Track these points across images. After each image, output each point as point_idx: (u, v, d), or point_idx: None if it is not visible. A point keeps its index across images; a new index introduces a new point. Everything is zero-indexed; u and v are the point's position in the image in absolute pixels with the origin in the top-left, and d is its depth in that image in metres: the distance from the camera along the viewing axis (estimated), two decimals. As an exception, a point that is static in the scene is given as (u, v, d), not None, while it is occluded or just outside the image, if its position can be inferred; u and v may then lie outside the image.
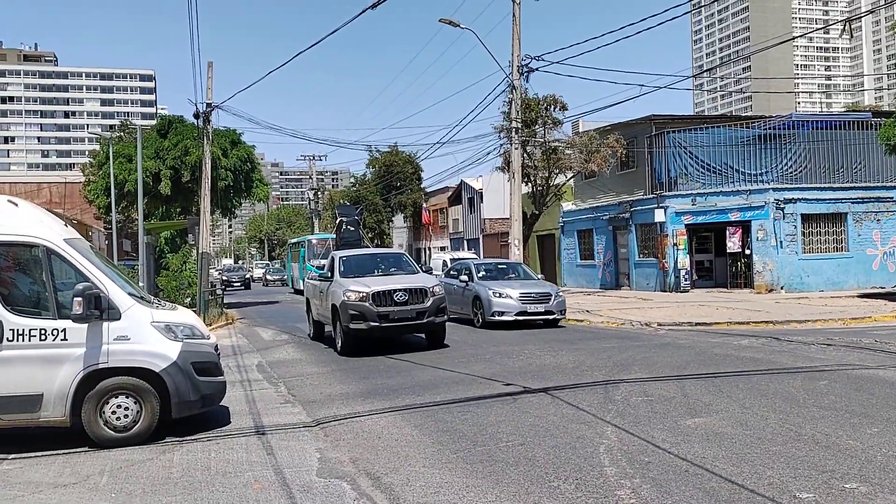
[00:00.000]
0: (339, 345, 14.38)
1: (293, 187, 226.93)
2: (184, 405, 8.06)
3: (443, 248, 53.85)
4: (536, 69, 23.42)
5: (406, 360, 13.33)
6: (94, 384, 7.72)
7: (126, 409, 7.79)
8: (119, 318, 7.81)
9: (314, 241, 40.93)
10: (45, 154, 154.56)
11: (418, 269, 16.33)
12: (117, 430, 7.76)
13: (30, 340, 7.56)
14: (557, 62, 23.40)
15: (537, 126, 28.47)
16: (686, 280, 27.28)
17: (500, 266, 21.20)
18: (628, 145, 29.89)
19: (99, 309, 7.65)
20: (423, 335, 15.29)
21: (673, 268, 27.46)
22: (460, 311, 19.36)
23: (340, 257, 16.02)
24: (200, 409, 8.36)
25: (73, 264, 7.82)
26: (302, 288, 40.55)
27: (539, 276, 21.65)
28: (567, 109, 29.26)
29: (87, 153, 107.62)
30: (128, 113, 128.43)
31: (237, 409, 9.47)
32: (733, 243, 26.76)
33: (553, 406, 8.83)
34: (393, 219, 60.91)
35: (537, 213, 31.16)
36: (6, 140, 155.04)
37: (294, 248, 47.46)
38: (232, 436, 8.13)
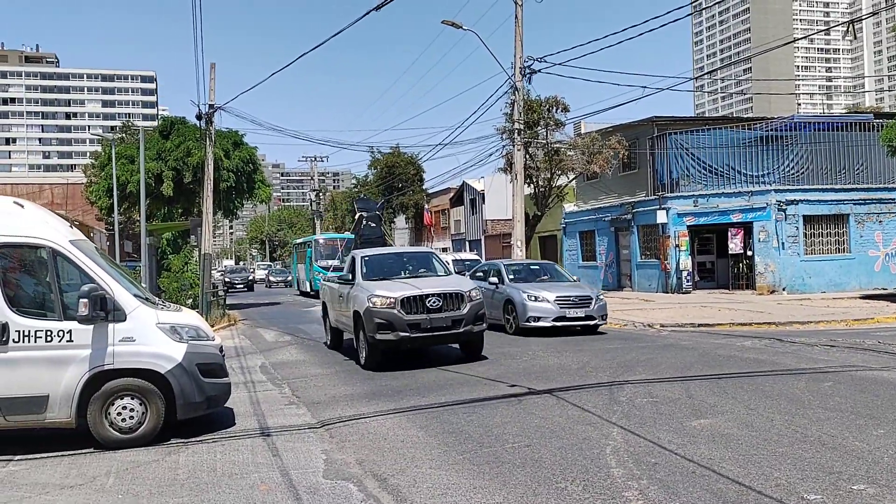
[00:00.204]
0: (363, 357, 12.59)
1: (294, 188, 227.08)
2: (189, 406, 8.06)
3: (445, 250, 53.85)
4: (539, 71, 23.46)
5: (410, 361, 13.31)
6: (99, 385, 7.73)
7: (131, 410, 7.80)
8: (124, 320, 7.81)
9: (321, 241, 39.83)
10: (46, 155, 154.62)
11: (450, 269, 14.44)
12: (123, 432, 7.77)
13: (35, 342, 7.56)
14: (559, 64, 23.39)
15: (539, 127, 28.48)
16: (688, 281, 27.27)
17: (531, 267, 19.76)
18: (630, 147, 29.90)
19: (104, 310, 7.66)
20: (457, 345, 13.64)
21: (675, 269, 27.45)
22: (489, 316, 17.37)
23: (362, 257, 14.13)
24: (206, 411, 8.37)
25: (79, 266, 7.83)
26: (308, 290, 39.66)
27: (573, 277, 20.01)
28: (569, 111, 29.30)
29: (88, 154, 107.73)
30: (129, 114, 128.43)
31: (241, 411, 9.47)
32: (735, 244, 26.76)
33: (558, 407, 8.83)
34: (395, 220, 60.93)
35: (539, 214, 31.17)
36: (7, 141, 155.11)
37: (300, 249, 46.07)
38: (237, 437, 8.13)
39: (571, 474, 6.16)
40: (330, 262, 36.17)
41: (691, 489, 5.66)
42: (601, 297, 17.33)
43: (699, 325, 17.60)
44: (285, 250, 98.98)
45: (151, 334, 7.95)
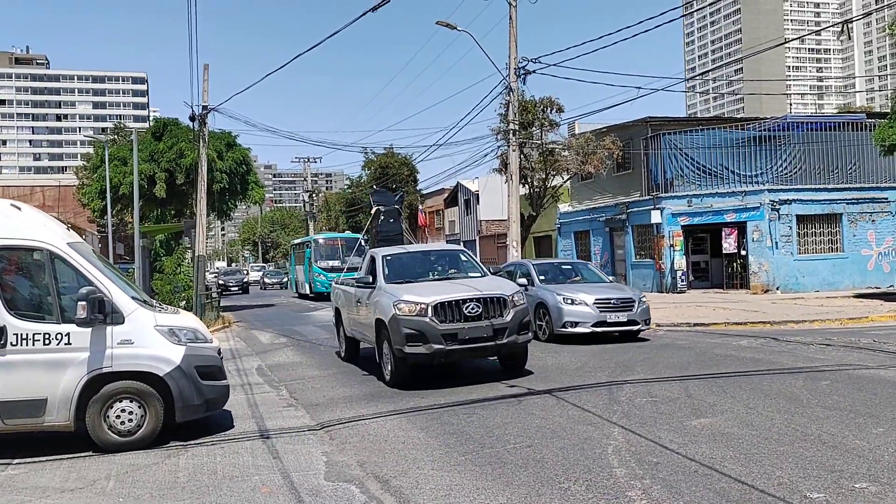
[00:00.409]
0: (388, 373, 10.88)
1: (287, 189, 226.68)
2: (188, 409, 8.03)
3: (438, 251, 53.79)
4: (533, 71, 23.44)
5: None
6: (98, 388, 7.69)
7: (130, 413, 7.76)
8: (123, 322, 7.78)
9: (321, 241, 38.69)
10: (36, 157, 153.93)
11: (485, 270, 12.65)
12: (121, 435, 7.73)
13: (34, 345, 7.52)
14: (554, 64, 23.34)
15: (534, 128, 28.50)
16: (682, 281, 27.35)
17: (562, 267, 18.15)
18: (624, 147, 29.95)
19: (103, 313, 7.62)
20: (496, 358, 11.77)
21: (669, 269, 27.52)
22: None
23: (383, 257, 12.36)
24: (204, 413, 8.34)
25: (77, 268, 7.79)
26: (308, 292, 38.62)
27: (608, 277, 18.33)
28: (563, 111, 29.31)
29: (79, 156, 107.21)
30: (120, 116, 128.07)
31: (240, 413, 9.44)
32: (729, 244, 26.84)
33: (558, 407, 8.83)
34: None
35: (534, 214, 31.20)
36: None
37: (298, 249, 44.40)
38: (236, 440, 8.10)
39: (574, 474, 6.16)
40: (331, 263, 35.50)
41: (694, 488, 5.66)
42: (644, 299, 15.76)
43: (695, 325, 17.65)
44: (278, 252, 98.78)
45: (150, 337, 7.91)
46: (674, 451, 6.68)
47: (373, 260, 12.58)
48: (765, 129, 28.14)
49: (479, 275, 12.12)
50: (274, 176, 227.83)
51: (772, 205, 26.38)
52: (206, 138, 26.19)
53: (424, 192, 57.51)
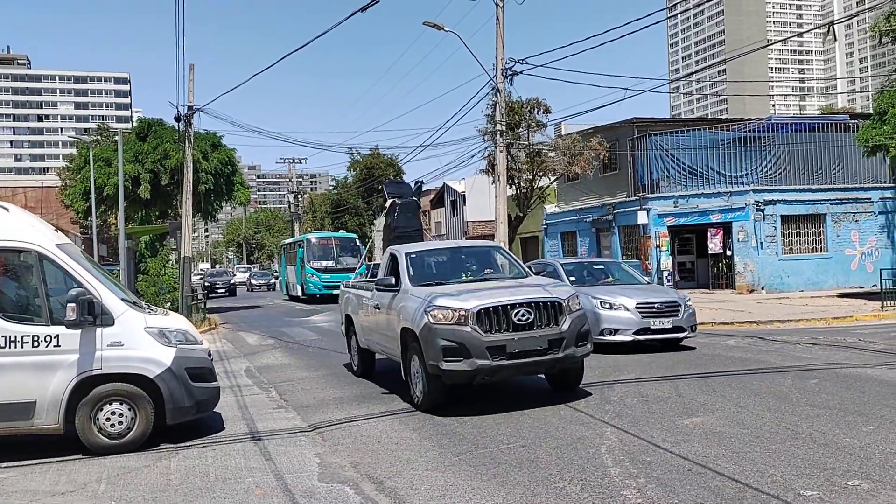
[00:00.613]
0: (419, 394, 9.07)
1: (271, 190, 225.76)
2: (178, 411, 7.97)
3: (424, 251, 53.80)
4: (520, 72, 23.45)
5: (399, 363, 13.26)
6: (87, 391, 7.62)
7: (120, 415, 7.70)
8: (112, 324, 7.71)
9: (314, 241, 37.24)
10: (18, 158, 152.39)
11: (527, 270, 10.91)
12: (112, 437, 7.66)
13: (22, 347, 7.45)
14: (541, 65, 23.38)
15: (521, 129, 28.56)
16: (669, 281, 27.46)
17: (593, 266, 16.34)
18: (611, 148, 30.07)
19: (92, 315, 7.56)
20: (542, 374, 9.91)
21: (656, 269, 27.65)
22: None
23: (407, 255, 10.56)
24: (195, 415, 8.29)
25: (66, 270, 7.72)
26: (299, 294, 37.38)
27: (645, 278, 16.69)
28: (550, 112, 29.37)
29: (61, 157, 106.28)
30: (102, 116, 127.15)
31: (230, 415, 9.39)
32: (715, 244, 27.02)
33: (551, 407, 8.84)
34: (374, 222, 60.80)
35: (521, 215, 31.25)
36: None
37: (289, 249, 42.54)
38: (228, 442, 8.05)
39: (569, 474, 6.17)
40: (324, 264, 34.80)
41: (689, 487, 5.69)
42: (689, 302, 13.97)
43: (682, 325, 17.70)
44: (263, 253, 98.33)
45: (140, 339, 7.85)
46: (667, 451, 6.71)
47: (394, 259, 10.73)
48: (750, 130, 28.36)
49: (521, 275, 10.38)
50: (258, 177, 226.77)
51: (757, 205, 26.58)
52: (191, 139, 26.04)
53: (410, 192, 57.44)
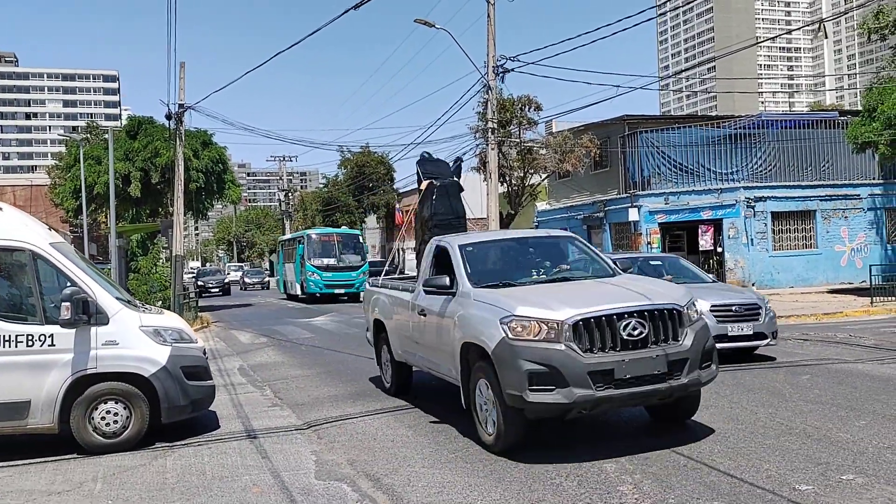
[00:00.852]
0: (492, 432, 6.93)
1: (261, 188, 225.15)
2: (174, 410, 7.96)
3: (416, 249, 53.74)
4: (512, 70, 23.49)
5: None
6: (82, 390, 7.60)
7: (115, 414, 7.69)
8: (107, 323, 7.70)
9: (315, 237, 35.11)
10: (6, 157, 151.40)
11: (614, 266, 8.43)
12: (107, 436, 7.65)
13: (16, 346, 7.42)
14: (532, 63, 23.50)
15: (512, 126, 28.58)
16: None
17: (651, 262, 14.01)
18: (602, 145, 30.15)
19: (87, 314, 7.53)
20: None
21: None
22: None
23: (462, 247, 8.40)
24: (190, 414, 8.28)
25: (60, 269, 7.69)
26: (299, 293, 35.15)
27: (710, 276, 14.55)
28: (541, 109, 29.39)
29: (49, 156, 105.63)
30: (91, 114, 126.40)
31: (224, 414, 9.38)
32: (705, 241, 27.15)
33: (545, 404, 8.86)
34: (366, 220, 60.73)
35: (513, 212, 31.28)
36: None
37: (288, 246, 40.35)
38: (223, 440, 8.05)
39: (565, 470, 6.19)
40: (326, 262, 33.13)
41: (685, 482, 5.73)
42: (769, 305, 12.01)
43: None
44: (253, 251, 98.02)
45: (135, 337, 7.84)
46: (662, 447, 6.75)
47: (443, 253, 8.60)
48: (740, 128, 28.50)
49: (607, 273, 8.21)
50: (248, 175, 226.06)
51: (747, 202, 26.72)
52: (182, 137, 25.96)
53: (402, 190, 57.40)
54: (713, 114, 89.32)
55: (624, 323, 6.52)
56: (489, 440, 7.01)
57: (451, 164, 13.44)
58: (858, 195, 28.16)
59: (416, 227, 12.23)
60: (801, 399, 8.47)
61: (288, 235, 46.34)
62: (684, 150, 28.36)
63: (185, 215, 29.39)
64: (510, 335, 6.58)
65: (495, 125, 24.34)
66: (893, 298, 19.61)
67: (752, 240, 26.72)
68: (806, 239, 27.68)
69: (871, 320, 17.14)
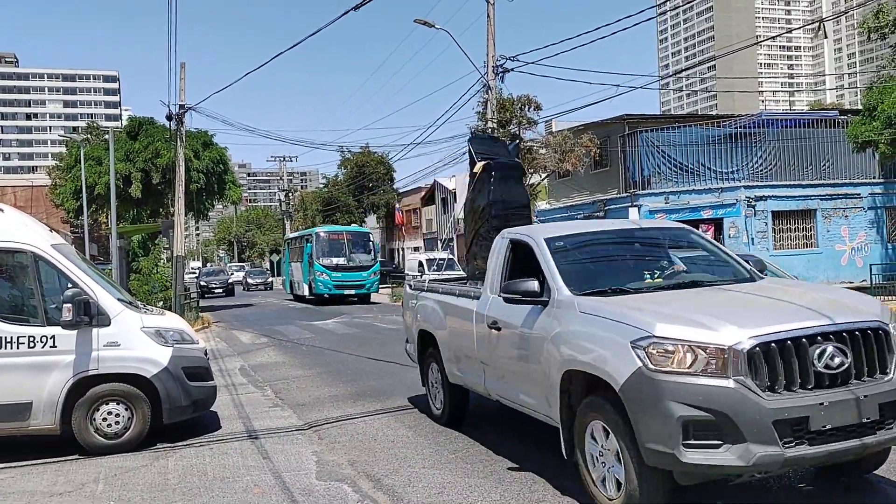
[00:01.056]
0: (619, 495, 5.07)
1: (261, 188, 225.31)
2: (175, 411, 7.99)
3: (416, 249, 53.88)
4: (511, 70, 23.54)
5: (393, 360, 13.31)
6: (84, 391, 7.63)
7: (117, 415, 7.71)
8: (109, 325, 7.72)
9: (323, 235, 33.42)
10: (6, 157, 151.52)
11: (750, 268, 6.55)
12: (108, 437, 7.68)
13: (18, 348, 7.44)
14: (532, 63, 23.54)
15: (512, 126, 28.58)
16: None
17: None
18: (602, 145, 30.14)
19: (88, 315, 7.56)
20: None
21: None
22: None
23: (551, 241, 6.57)
24: (192, 415, 8.31)
25: (62, 270, 7.72)
26: (306, 294, 33.50)
27: (788, 275, 11.92)
28: (541, 109, 29.30)
29: (50, 156, 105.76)
30: (91, 115, 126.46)
31: (226, 414, 9.41)
32: (706, 240, 27.16)
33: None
34: (365, 219, 60.79)
35: (512, 212, 31.29)
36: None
37: (294, 244, 38.68)
38: (225, 441, 8.08)
39: (566, 472, 6.19)
40: (335, 261, 31.74)
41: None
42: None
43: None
44: (254, 251, 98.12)
45: (136, 338, 7.86)
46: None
47: (523, 249, 6.72)
48: (740, 127, 28.51)
49: (745, 276, 6.32)
50: (248, 175, 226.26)
51: (748, 201, 26.73)
52: (183, 137, 25.99)
53: (401, 190, 57.48)
54: (713, 113, 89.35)
55: (818, 349, 4.59)
56: None
57: (507, 142, 11.12)
58: (859, 194, 28.16)
59: (467, 219, 9.87)
60: None
61: (294, 234, 44.31)
62: (684, 149, 28.36)
63: (185, 216, 29.42)
64: (650, 365, 4.67)
65: (495, 125, 24.36)
66: (894, 297, 19.62)
67: (752, 239, 26.72)
68: (806, 238, 27.69)
69: (872, 319, 17.10)
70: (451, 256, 38.83)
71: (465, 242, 9.42)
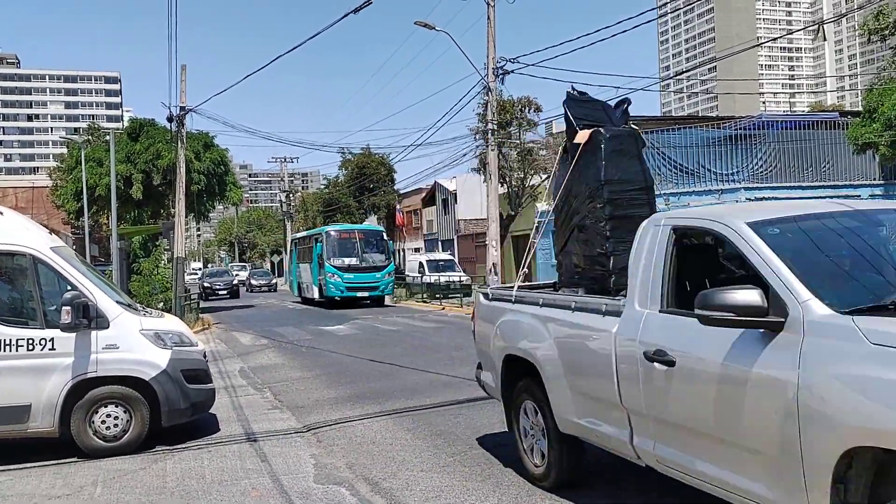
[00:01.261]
0: None
1: (262, 189, 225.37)
2: (174, 413, 7.99)
3: (417, 250, 53.89)
4: (511, 71, 23.54)
5: (392, 362, 13.33)
6: (83, 394, 7.64)
7: (116, 418, 7.72)
8: (107, 327, 7.73)
9: (334, 234, 31.58)
10: (7, 158, 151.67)
11: None
12: (107, 440, 7.68)
13: (17, 350, 7.45)
14: (532, 64, 23.47)
15: (512, 127, 28.63)
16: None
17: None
18: (602, 146, 30.16)
19: (87, 318, 7.56)
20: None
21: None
22: None
23: (759, 228, 4.22)
24: (190, 417, 8.32)
25: (61, 273, 7.73)
26: (316, 296, 31.76)
27: None
28: (542, 111, 29.51)
29: (51, 157, 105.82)
30: (93, 116, 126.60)
31: (225, 416, 9.41)
32: (706, 242, 27.16)
33: (544, 407, 8.89)
34: (366, 220, 60.79)
35: (513, 213, 31.35)
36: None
37: (303, 244, 36.79)
38: (223, 443, 8.08)
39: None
40: (347, 262, 30.12)
41: (689, 487, 5.71)
42: None
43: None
44: (255, 252, 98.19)
45: (135, 341, 7.87)
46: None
47: (703, 243, 5.32)
48: (741, 128, 28.53)
49: None
50: (250, 176, 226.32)
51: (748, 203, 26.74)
52: (184, 139, 26.02)
53: (402, 191, 57.49)
54: (714, 114, 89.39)
55: None
56: None
57: (615, 107, 7.51)
58: (859, 196, 28.07)
59: (559, 207, 7.10)
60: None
61: (302, 233, 42.57)
62: (685, 150, 28.37)
63: (186, 217, 29.45)
64: None
65: (495, 126, 24.38)
66: None
67: (752, 241, 26.73)
68: (806, 240, 27.69)
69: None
70: (451, 257, 38.83)
71: (559, 238, 7.05)
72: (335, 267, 29.99)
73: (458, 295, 29.51)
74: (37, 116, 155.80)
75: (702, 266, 5.06)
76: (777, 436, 3.64)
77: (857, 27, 34.49)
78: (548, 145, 29.91)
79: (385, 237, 33.08)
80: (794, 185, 27.72)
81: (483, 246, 27.45)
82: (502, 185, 29.72)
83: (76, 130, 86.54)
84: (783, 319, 3.73)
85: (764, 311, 3.78)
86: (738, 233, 4.28)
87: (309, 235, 36.14)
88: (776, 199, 27.02)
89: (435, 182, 53.21)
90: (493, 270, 24.40)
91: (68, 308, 7.38)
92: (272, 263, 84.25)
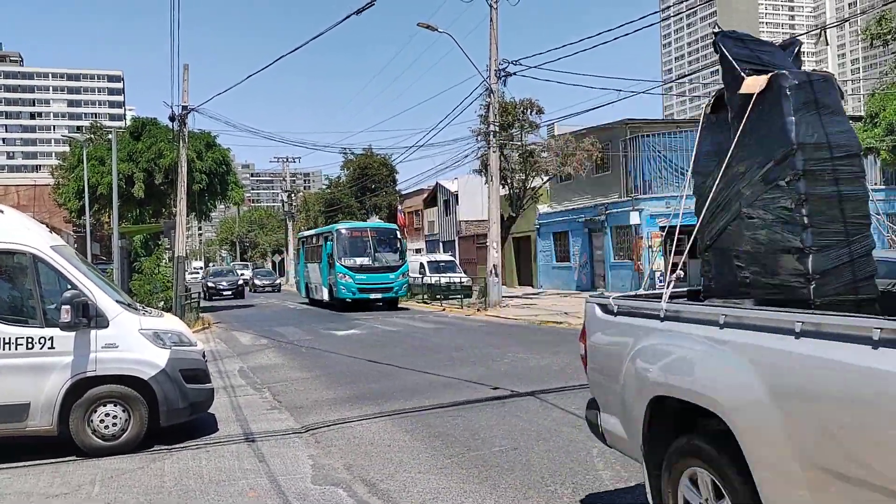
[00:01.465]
0: None
1: (264, 189, 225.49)
2: (173, 413, 8.00)
3: (418, 251, 53.91)
4: (514, 73, 23.63)
5: (391, 363, 13.33)
6: (81, 393, 7.64)
7: (114, 417, 7.72)
8: (107, 326, 7.73)
9: (345, 232, 29.59)
10: (10, 156, 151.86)
11: None
12: (106, 439, 7.69)
13: (16, 349, 7.45)
14: (534, 66, 23.59)
15: (514, 129, 28.64)
16: (661, 281, 27.57)
17: None
18: (603, 148, 30.19)
19: (87, 317, 7.57)
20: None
21: (648, 270, 27.79)
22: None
23: None
24: (189, 417, 8.32)
25: (61, 272, 7.74)
26: (325, 298, 30.28)
27: None
28: (543, 113, 29.47)
29: (53, 155, 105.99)
30: (95, 114, 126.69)
31: (223, 416, 9.42)
32: (707, 245, 27.14)
33: (543, 409, 8.91)
34: (369, 220, 60.83)
35: (514, 215, 31.35)
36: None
37: (311, 242, 35.32)
38: (221, 443, 8.09)
39: (560, 477, 6.22)
40: (359, 262, 28.52)
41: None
42: None
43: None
44: (256, 251, 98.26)
45: (134, 340, 7.88)
46: (657, 453, 6.72)
47: None
48: (742, 132, 28.52)
49: None
50: (251, 175, 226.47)
51: (749, 206, 26.71)
52: (186, 138, 26.05)
53: (404, 192, 57.55)
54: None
55: None
56: None
57: (788, 45, 5.59)
58: (860, 200, 28.14)
59: (701, 186, 5.07)
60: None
61: (310, 231, 40.62)
62: (686, 153, 28.36)
63: (188, 216, 29.47)
64: None
65: (497, 128, 24.40)
66: None
67: (753, 244, 26.71)
68: (807, 244, 27.67)
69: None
70: (452, 258, 38.84)
71: (704, 230, 5.03)
72: (346, 267, 28.49)
73: (459, 296, 29.50)
74: (39, 115, 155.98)
75: None
76: None
77: (859, 32, 34.49)
78: (549, 147, 29.90)
79: (399, 235, 31.38)
80: (796, 189, 27.71)
81: (484, 247, 27.47)
82: (504, 187, 29.72)
83: (79, 129, 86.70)
84: None
85: None
86: None
87: (318, 234, 34.52)
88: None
89: (436, 183, 53.27)
90: (493, 272, 24.41)
91: (68, 307, 7.39)
92: (273, 263, 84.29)
